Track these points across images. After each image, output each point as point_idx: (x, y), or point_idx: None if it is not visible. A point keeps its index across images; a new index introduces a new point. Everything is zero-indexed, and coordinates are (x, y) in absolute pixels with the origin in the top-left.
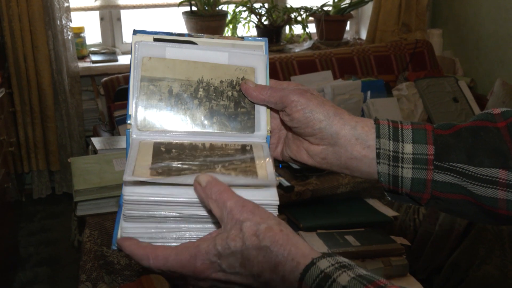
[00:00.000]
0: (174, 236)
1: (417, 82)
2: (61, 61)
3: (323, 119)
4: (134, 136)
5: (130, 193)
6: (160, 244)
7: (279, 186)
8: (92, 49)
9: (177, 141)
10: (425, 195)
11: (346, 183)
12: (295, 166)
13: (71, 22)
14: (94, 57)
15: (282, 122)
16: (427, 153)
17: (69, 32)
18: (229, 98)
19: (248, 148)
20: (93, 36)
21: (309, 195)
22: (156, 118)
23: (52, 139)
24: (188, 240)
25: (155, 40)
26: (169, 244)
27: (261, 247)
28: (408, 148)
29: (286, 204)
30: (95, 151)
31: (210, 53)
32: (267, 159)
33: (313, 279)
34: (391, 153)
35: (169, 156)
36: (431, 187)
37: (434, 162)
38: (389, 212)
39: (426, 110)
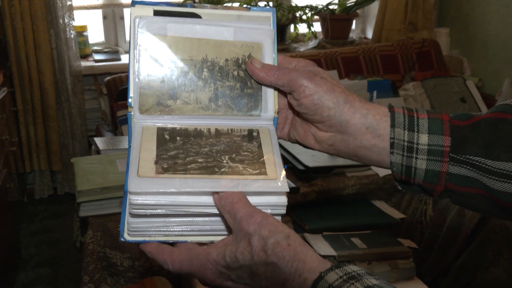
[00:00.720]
0: (180, 229)
1: (424, 82)
2: (64, 60)
3: (332, 107)
4: (135, 120)
5: (136, 197)
6: (168, 236)
7: None
8: (95, 48)
9: (181, 126)
10: (438, 187)
11: (352, 185)
12: (300, 167)
13: (73, 20)
14: (97, 56)
15: (290, 104)
16: (443, 144)
17: (71, 31)
18: (235, 79)
19: (255, 134)
20: (96, 34)
21: (315, 196)
22: (159, 101)
23: (54, 138)
24: (196, 232)
25: (155, 12)
26: (178, 238)
27: (268, 263)
28: (424, 138)
29: (291, 206)
30: (98, 151)
31: (214, 28)
32: (276, 156)
33: None
34: (405, 144)
35: (174, 145)
36: (445, 180)
37: (450, 154)
38: (396, 214)
39: None
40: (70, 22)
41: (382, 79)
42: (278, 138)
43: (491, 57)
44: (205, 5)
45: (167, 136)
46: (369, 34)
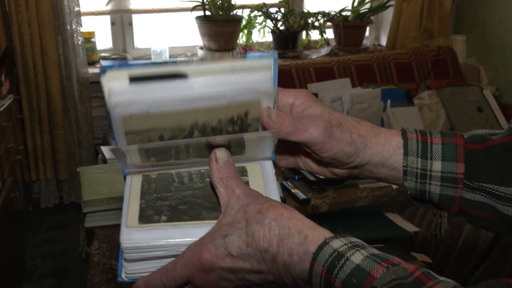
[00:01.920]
0: None
1: (439, 91)
2: (71, 67)
3: (353, 155)
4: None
5: (127, 240)
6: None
7: (295, 199)
8: (103, 54)
9: (167, 172)
10: (453, 208)
11: (364, 197)
12: (311, 178)
13: (81, 26)
14: (105, 63)
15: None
16: (457, 171)
17: (79, 37)
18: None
19: (242, 171)
20: (103, 41)
21: (326, 208)
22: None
23: (61, 147)
24: None
25: (131, 79)
26: None
27: (264, 222)
28: (437, 165)
29: None
30: (104, 161)
31: (204, 95)
32: (268, 189)
33: (326, 258)
34: (418, 171)
35: (157, 195)
36: (459, 203)
37: (464, 181)
38: (410, 227)
39: (449, 120)
40: (78, 28)
41: (397, 87)
42: (282, 166)
43: (509, 65)
44: (191, 59)
45: (152, 184)
46: (383, 41)
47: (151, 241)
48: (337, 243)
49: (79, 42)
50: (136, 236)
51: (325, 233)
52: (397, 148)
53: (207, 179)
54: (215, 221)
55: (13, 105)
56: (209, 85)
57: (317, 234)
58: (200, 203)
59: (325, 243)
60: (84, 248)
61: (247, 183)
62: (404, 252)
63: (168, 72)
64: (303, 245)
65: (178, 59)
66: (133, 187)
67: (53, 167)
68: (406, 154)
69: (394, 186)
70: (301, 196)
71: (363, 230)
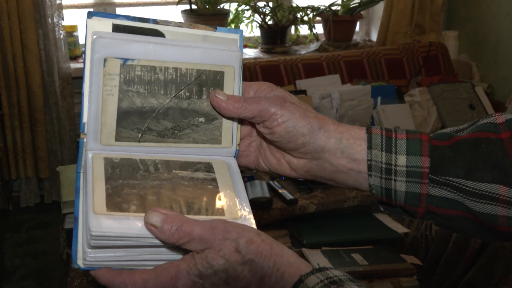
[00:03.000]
0: (142, 258)
1: (430, 88)
2: (52, 62)
3: (307, 133)
4: (89, 149)
5: (97, 228)
6: (128, 266)
7: (282, 199)
8: None
9: (130, 157)
10: (420, 209)
11: (353, 197)
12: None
13: (63, 20)
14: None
15: (257, 131)
16: (422, 165)
17: (61, 31)
18: (195, 84)
19: (209, 169)
20: None
21: (314, 209)
22: (117, 130)
23: (42, 144)
24: (158, 262)
25: (115, 27)
26: (138, 266)
27: (245, 261)
28: (402, 160)
29: (289, 219)
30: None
31: (181, 50)
32: (236, 191)
33: None
34: (383, 165)
35: (122, 181)
36: (426, 202)
37: (429, 175)
38: (400, 228)
39: (440, 118)
40: (60, 21)
41: (387, 84)
42: (242, 165)
43: (502, 62)
44: (169, 21)
45: (117, 169)
46: (374, 37)
47: (123, 231)
48: (313, 280)
49: (61, 36)
50: (106, 224)
51: (302, 268)
52: (358, 139)
53: (174, 171)
54: (187, 216)
55: None
56: (184, 43)
57: (293, 270)
58: (169, 196)
59: (300, 280)
60: (64, 249)
61: (214, 180)
62: (393, 253)
63: (148, 27)
64: (280, 282)
65: (159, 19)
66: (95, 170)
67: (34, 165)
68: (370, 147)
69: None
70: (289, 196)
71: (351, 231)
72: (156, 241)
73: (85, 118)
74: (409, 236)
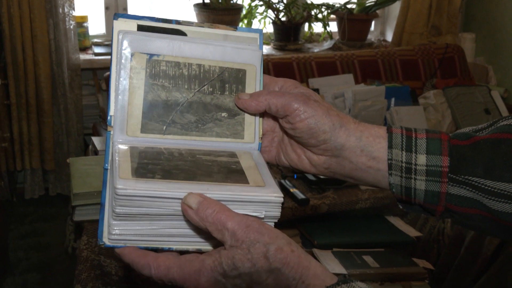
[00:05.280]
0: (166, 232)
1: (445, 91)
2: (62, 52)
3: (328, 131)
4: (116, 141)
5: (123, 187)
6: (152, 243)
7: (293, 199)
8: (95, 40)
9: (155, 146)
10: (439, 207)
11: (366, 198)
12: (311, 177)
13: (74, 10)
14: (97, 49)
15: (280, 126)
16: (442, 165)
17: (71, 21)
18: (218, 80)
19: (234, 156)
20: (96, 26)
21: (326, 209)
22: (143, 123)
23: (48, 135)
24: (182, 238)
25: (139, 27)
26: (163, 243)
27: (271, 269)
28: (422, 159)
29: (300, 219)
30: (95, 152)
31: (202, 47)
32: (262, 171)
33: None
34: (403, 164)
35: (149, 161)
36: (445, 200)
37: (449, 174)
38: (412, 232)
39: (454, 122)
40: (70, 12)
41: (401, 85)
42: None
43: None
44: (191, 22)
45: (142, 153)
46: (389, 37)
47: (148, 190)
48: None
49: (71, 27)
50: (131, 184)
51: (328, 281)
52: (377, 137)
53: (198, 156)
54: (210, 183)
55: (0, 90)
56: (206, 41)
57: (318, 282)
58: (193, 171)
59: None
60: (70, 242)
61: (237, 162)
62: (405, 257)
63: (171, 28)
64: None
65: (181, 19)
66: (121, 154)
67: (40, 157)
68: (390, 147)
69: None
70: (300, 196)
71: (363, 233)
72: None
73: (112, 111)
74: (421, 240)
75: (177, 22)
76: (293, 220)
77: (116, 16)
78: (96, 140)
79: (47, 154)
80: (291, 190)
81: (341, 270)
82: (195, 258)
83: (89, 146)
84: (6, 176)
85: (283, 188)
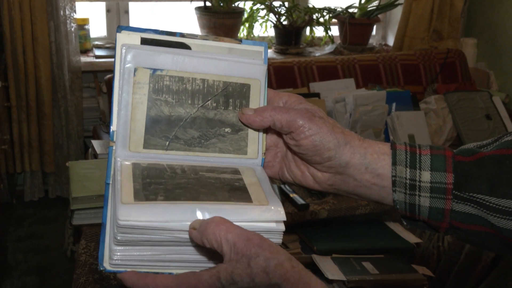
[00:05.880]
0: (168, 258)
1: (447, 96)
2: (62, 55)
3: (333, 148)
4: (118, 157)
5: (125, 217)
6: (153, 268)
7: (293, 204)
8: (96, 43)
9: (157, 163)
10: (443, 224)
11: (365, 204)
12: None
13: (75, 13)
14: (98, 52)
15: (284, 142)
16: (446, 182)
17: (72, 24)
18: (222, 95)
19: (237, 173)
20: (98, 29)
21: (325, 215)
22: (146, 138)
23: (48, 138)
24: (183, 263)
25: (143, 41)
26: (163, 268)
27: (271, 284)
28: (426, 176)
29: (300, 224)
30: (95, 155)
31: (205, 62)
32: (264, 188)
33: None
34: (407, 181)
35: (150, 180)
36: (449, 217)
37: (453, 191)
38: (412, 238)
39: (455, 127)
40: (72, 14)
41: (402, 90)
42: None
43: None
44: (195, 34)
45: (144, 172)
46: (390, 41)
47: (151, 219)
48: None
49: (72, 29)
50: (135, 213)
51: None
52: (382, 154)
53: (201, 173)
54: (214, 202)
55: (1, 92)
56: (210, 55)
57: None
58: (196, 189)
59: None
60: (69, 246)
61: (240, 179)
62: (405, 263)
63: (175, 41)
64: None
65: (185, 32)
66: (123, 172)
67: (39, 159)
68: (394, 163)
69: None
70: (300, 201)
71: (363, 239)
72: (183, 236)
73: (114, 126)
74: (421, 247)
75: (181, 35)
76: (293, 225)
77: (120, 28)
78: (95, 143)
79: (47, 157)
80: (291, 195)
81: (340, 276)
82: (192, 275)
83: (89, 149)
84: (6, 178)
85: (283, 193)
